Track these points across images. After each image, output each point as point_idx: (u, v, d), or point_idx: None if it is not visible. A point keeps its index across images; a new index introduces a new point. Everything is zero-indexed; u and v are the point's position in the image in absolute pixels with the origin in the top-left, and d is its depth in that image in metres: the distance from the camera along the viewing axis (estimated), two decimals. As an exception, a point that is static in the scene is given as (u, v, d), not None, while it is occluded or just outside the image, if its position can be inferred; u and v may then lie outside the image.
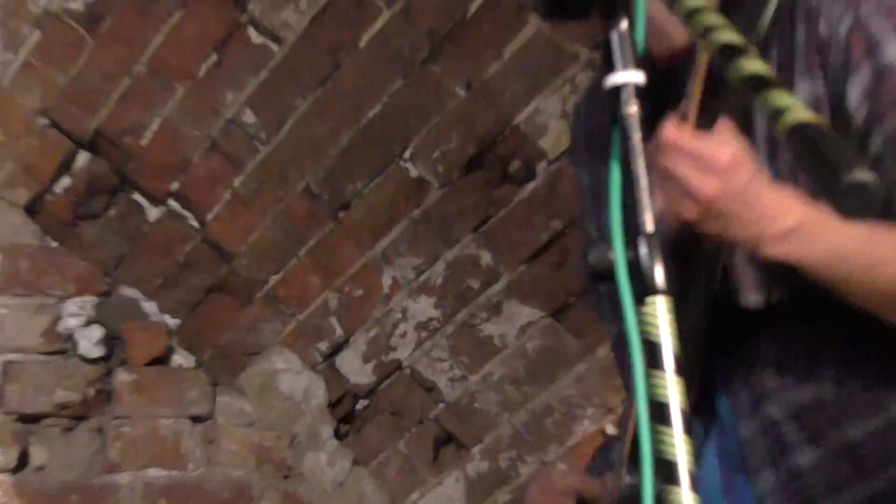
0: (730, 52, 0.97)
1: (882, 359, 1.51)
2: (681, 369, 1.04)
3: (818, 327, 1.54)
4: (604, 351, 2.53)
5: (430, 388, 2.81)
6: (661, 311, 1.04)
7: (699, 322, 1.57)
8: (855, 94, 1.47)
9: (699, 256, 1.55)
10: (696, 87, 1.49)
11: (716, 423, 1.61)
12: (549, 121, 2.55)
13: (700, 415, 1.54)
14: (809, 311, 1.52)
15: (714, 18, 1.00)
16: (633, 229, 1.06)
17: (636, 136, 1.08)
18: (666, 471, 1.01)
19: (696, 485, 1.01)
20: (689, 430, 1.04)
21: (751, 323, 1.54)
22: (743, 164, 1.34)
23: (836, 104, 1.48)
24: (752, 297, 1.52)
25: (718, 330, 1.55)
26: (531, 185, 2.55)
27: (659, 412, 1.02)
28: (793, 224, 1.39)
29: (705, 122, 1.44)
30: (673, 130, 1.36)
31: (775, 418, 1.54)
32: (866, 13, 1.47)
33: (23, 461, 2.67)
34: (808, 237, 1.41)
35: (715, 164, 1.34)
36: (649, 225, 1.07)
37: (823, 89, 1.50)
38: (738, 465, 1.58)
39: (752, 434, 1.57)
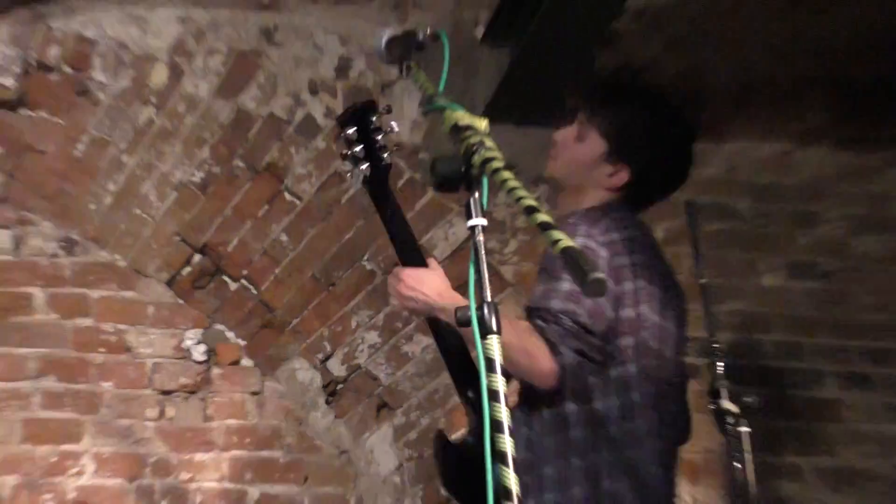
0: (532, 211, 1.55)
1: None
2: (505, 373, 1.57)
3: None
4: None
5: (375, 378, 4.10)
6: (494, 342, 1.60)
7: None
8: None
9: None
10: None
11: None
12: (439, 241, 3.88)
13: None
14: None
15: (531, 200, 1.58)
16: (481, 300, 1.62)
17: (482, 250, 1.65)
18: (496, 425, 1.53)
19: (511, 432, 1.53)
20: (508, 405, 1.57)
21: None
22: (411, 277, 2.38)
23: None
24: None
25: None
26: None
27: (494, 394, 1.54)
28: (443, 303, 2.32)
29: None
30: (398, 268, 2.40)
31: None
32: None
33: (161, 415, 4.09)
34: (447, 303, 2.32)
35: (394, 279, 2.40)
36: (488, 296, 1.63)
37: None
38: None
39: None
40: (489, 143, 1.70)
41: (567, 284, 2.26)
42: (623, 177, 2.53)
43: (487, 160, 1.66)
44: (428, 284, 2.35)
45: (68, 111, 3.92)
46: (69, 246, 4.16)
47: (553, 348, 2.21)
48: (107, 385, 4.05)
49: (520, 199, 1.58)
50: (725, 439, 2.96)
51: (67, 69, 3.86)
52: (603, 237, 2.36)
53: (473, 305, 1.60)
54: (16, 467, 3.90)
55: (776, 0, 3.80)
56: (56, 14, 3.80)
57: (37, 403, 3.99)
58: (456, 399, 3.67)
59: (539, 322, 2.24)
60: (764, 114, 4.17)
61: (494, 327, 1.59)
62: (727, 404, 3.10)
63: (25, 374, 4.00)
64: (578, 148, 2.58)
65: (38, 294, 4.09)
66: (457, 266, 3.83)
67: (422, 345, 3.96)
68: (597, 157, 2.54)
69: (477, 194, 1.68)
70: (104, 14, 3.79)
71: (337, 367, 4.12)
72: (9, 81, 3.83)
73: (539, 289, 2.32)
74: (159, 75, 3.88)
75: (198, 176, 3.97)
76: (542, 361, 2.21)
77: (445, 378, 3.70)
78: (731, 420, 3.09)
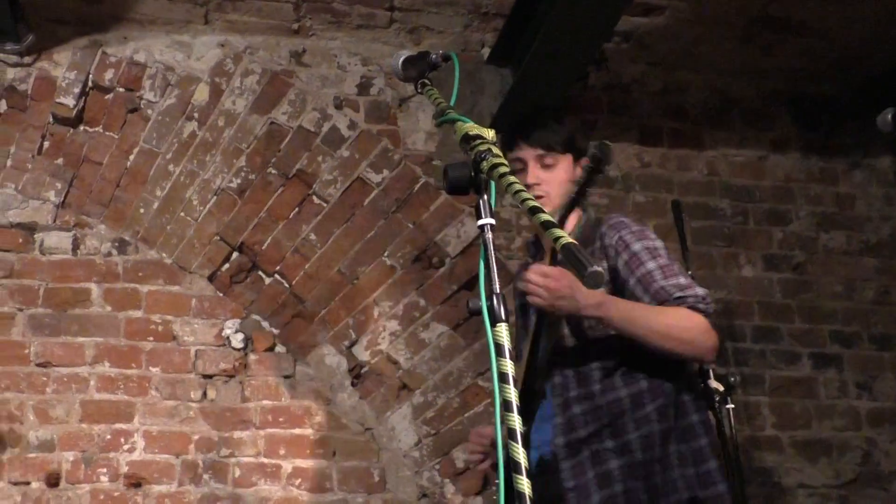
0: (535, 211, 1.65)
1: (618, 371, 2.57)
2: (512, 357, 1.68)
3: (586, 358, 2.61)
4: (478, 346, 4.11)
5: (396, 362, 4.17)
6: (504, 330, 1.72)
7: (547, 349, 2.60)
8: (622, 264, 2.62)
9: (548, 318, 2.57)
10: (548, 251, 2.57)
11: (545, 397, 2.66)
12: (451, 239, 4.14)
13: (542, 394, 2.64)
14: (583, 352, 2.60)
15: (534, 203, 1.68)
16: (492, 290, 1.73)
17: (490, 247, 1.79)
18: (506, 405, 1.64)
19: (520, 413, 1.62)
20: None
21: (561, 354, 2.61)
22: (564, 278, 2.41)
23: (614, 271, 2.61)
24: (567, 340, 2.61)
25: (554, 354, 2.61)
26: (442, 269, 4.16)
27: (503, 377, 1.67)
28: (598, 300, 2.47)
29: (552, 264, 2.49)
30: (535, 264, 2.48)
31: (568, 393, 2.62)
32: (625, 235, 2.63)
33: (203, 396, 4.20)
34: (608, 304, 2.48)
35: (548, 278, 2.42)
36: (497, 288, 1.76)
37: (607, 265, 2.61)
38: (547, 417, 2.64)
39: (557, 402, 2.63)
40: (496, 150, 1.81)
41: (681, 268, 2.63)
42: (585, 162, 2.64)
43: (495, 166, 1.77)
44: (581, 286, 2.37)
45: (121, 127, 4.20)
46: (122, 246, 4.34)
47: (713, 325, 2.53)
48: (155, 370, 4.23)
49: (524, 200, 1.69)
50: (713, 415, 3.36)
51: (121, 89, 4.17)
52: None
53: (484, 296, 1.71)
54: (75, 444, 4.08)
55: (736, 32, 4.10)
56: (111, 42, 4.16)
57: (93, 386, 4.17)
58: (468, 380, 4.08)
59: (697, 304, 2.54)
60: (739, 124, 4.48)
61: (503, 315, 1.70)
62: (714, 383, 3.51)
63: (83, 360, 4.19)
64: (555, 174, 2.74)
65: (94, 289, 4.27)
66: (468, 261, 4.18)
67: (437, 332, 4.18)
68: (570, 166, 2.77)
69: (486, 197, 1.81)
70: (153, 41, 4.16)
71: (361, 353, 4.23)
72: (70, 101, 4.14)
73: (673, 279, 2.58)
74: (201, 94, 4.19)
75: (235, 182, 4.22)
76: (710, 338, 2.53)
77: (459, 362, 4.11)
78: (716, 398, 3.50)
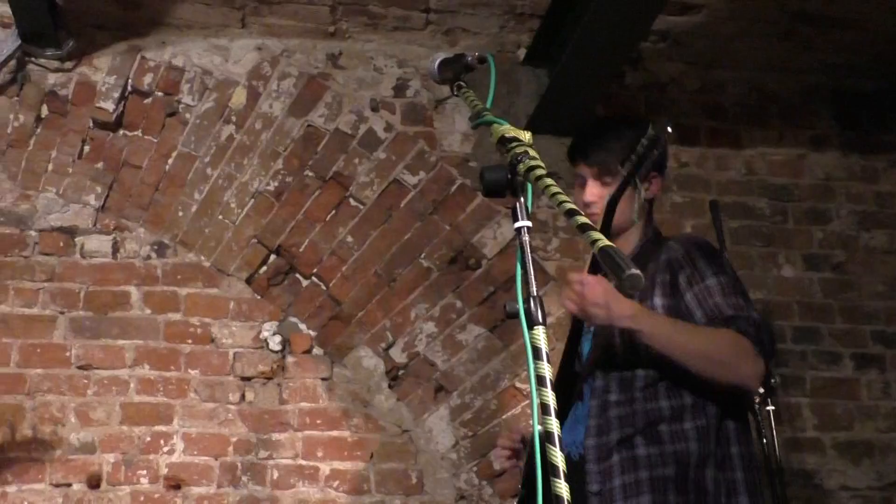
0: (573, 214, 1.64)
1: (663, 383, 2.51)
2: (550, 360, 1.66)
3: (632, 364, 2.55)
4: (515, 347, 4.09)
5: (433, 364, 4.17)
6: (541, 333, 1.70)
7: (592, 351, 2.62)
8: (683, 279, 2.54)
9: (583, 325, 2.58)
10: (589, 259, 2.55)
11: (582, 399, 2.63)
12: (488, 241, 4.15)
13: (580, 395, 2.63)
14: (630, 358, 2.54)
15: (572, 204, 1.67)
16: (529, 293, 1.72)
17: (527, 249, 1.75)
18: (544, 409, 1.63)
19: (557, 415, 1.61)
20: (558, 393, 1.68)
21: (607, 357, 2.59)
22: (598, 286, 2.37)
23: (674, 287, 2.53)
24: (615, 345, 2.55)
25: (599, 357, 2.60)
26: (479, 271, 4.17)
27: (540, 381, 1.65)
28: (632, 311, 2.38)
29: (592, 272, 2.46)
30: (574, 274, 2.43)
31: (608, 396, 2.58)
32: (692, 250, 2.58)
33: (242, 399, 4.21)
34: (641, 316, 2.39)
35: (583, 285, 2.37)
36: (534, 291, 1.74)
37: (668, 278, 2.55)
38: (581, 418, 2.59)
39: (595, 404, 2.59)
40: (532, 153, 1.79)
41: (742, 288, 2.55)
42: (658, 182, 2.73)
43: (531, 168, 1.76)
44: (615, 294, 2.38)
45: (160, 130, 4.23)
46: (161, 249, 4.37)
47: (762, 351, 2.43)
48: (194, 372, 4.25)
49: (561, 203, 1.67)
50: (753, 417, 3.31)
51: (159, 94, 4.21)
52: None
53: (521, 299, 1.70)
54: (115, 446, 4.11)
55: (774, 27, 4.07)
56: (150, 46, 4.21)
57: (133, 389, 4.19)
58: (505, 382, 4.09)
59: (747, 329, 2.45)
60: (778, 122, 4.44)
61: (540, 318, 1.69)
62: (753, 386, 3.45)
63: (123, 362, 4.22)
64: (611, 190, 2.64)
65: (134, 292, 4.30)
66: (504, 262, 4.17)
67: (474, 333, 4.19)
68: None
69: (522, 199, 1.79)
70: (191, 45, 4.20)
71: (398, 355, 4.25)
72: (110, 106, 4.19)
73: (731, 298, 2.50)
74: (239, 97, 4.22)
75: (273, 185, 4.24)
76: (753, 365, 2.42)
77: (496, 364, 4.10)
78: (757, 399, 3.46)
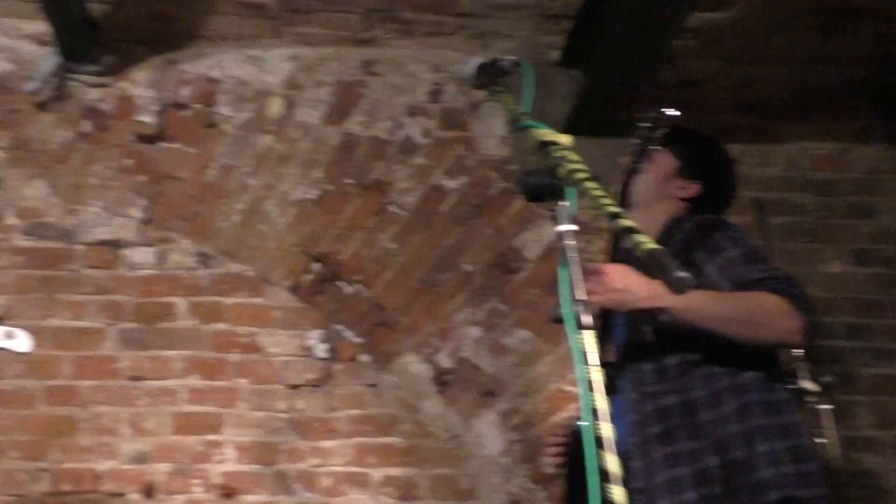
0: (616, 216, 1.66)
1: (698, 368, 2.49)
2: (597, 364, 1.69)
3: (665, 353, 2.54)
4: (562, 350, 4.04)
5: (480, 369, 4.19)
6: (588, 337, 1.73)
7: (624, 343, 2.64)
8: (704, 255, 2.55)
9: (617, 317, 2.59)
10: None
11: (618, 392, 2.63)
12: (528, 243, 4.14)
13: (616, 388, 2.63)
14: (662, 346, 2.54)
15: (615, 207, 1.69)
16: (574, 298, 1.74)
17: (572, 253, 1.77)
18: (594, 412, 1.68)
19: (604, 414, 1.66)
20: (604, 391, 1.69)
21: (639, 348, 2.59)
22: (617, 272, 2.37)
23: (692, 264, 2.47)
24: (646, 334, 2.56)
25: (631, 348, 2.61)
26: (522, 274, 4.16)
27: (589, 385, 1.70)
28: (656, 290, 2.35)
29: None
30: (591, 265, 2.38)
31: (643, 388, 2.57)
32: (709, 227, 2.59)
33: (291, 407, 4.23)
34: (666, 293, 2.30)
35: (603, 276, 2.38)
36: (581, 295, 1.76)
37: (686, 256, 2.51)
38: (619, 413, 2.48)
39: (632, 398, 2.60)
40: (573, 156, 1.82)
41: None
42: (694, 189, 2.80)
43: (572, 172, 1.78)
44: (634, 278, 2.39)
45: (199, 142, 4.26)
46: (205, 259, 4.40)
47: (799, 306, 2.40)
48: (242, 381, 4.28)
49: (604, 206, 1.69)
50: (807, 416, 3.24)
51: (197, 105, 4.23)
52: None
53: (566, 304, 1.72)
54: (168, 455, 4.16)
55: (811, 20, 3.96)
56: (186, 59, 4.22)
57: (183, 399, 4.24)
58: (553, 385, 4.09)
59: (779, 287, 2.43)
60: (819, 116, 4.33)
61: (586, 322, 1.70)
62: (806, 384, 3.39)
63: (173, 373, 4.26)
64: (652, 167, 2.78)
65: (180, 303, 4.34)
66: (547, 265, 4.14)
67: (520, 337, 4.18)
68: (670, 172, 2.80)
69: (564, 203, 1.80)
70: (226, 56, 4.21)
71: (445, 360, 4.25)
72: (149, 119, 4.23)
73: (755, 265, 2.49)
74: (275, 107, 4.23)
75: (313, 193, 4.25)
76: (793, 320, 2.38)
77: (543, 367, 4.10)
78: (811, 398, 3.38)
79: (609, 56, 3.73)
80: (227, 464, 4.18)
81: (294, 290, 4.36)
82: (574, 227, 1.77)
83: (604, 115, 3.87)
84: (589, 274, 2.35)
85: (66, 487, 4.07)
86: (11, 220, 4.34)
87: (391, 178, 4.19)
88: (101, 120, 4.24)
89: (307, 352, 4.33)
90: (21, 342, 3.06)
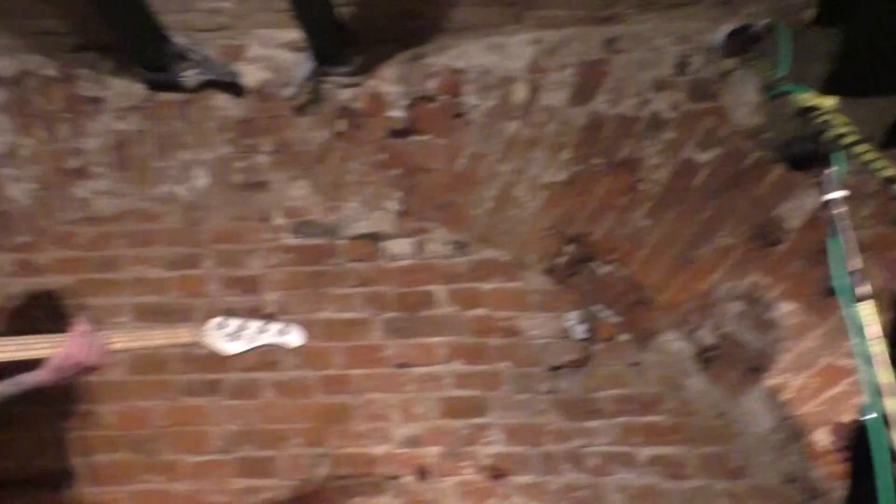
0: (892, 181, 1.69)
1: None
2: (876, 336, 1.65)
3: None
4: (833, 322, 3.84)
5: (744, 344, 4.10)
6: (866, 307, 1.72)
7: None
8: None
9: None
10: None
11: None
12: (789, 213, 3.97)
13: None
14: None
15: (890, 171, 1.69)
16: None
17: (842, 221, 1.78)
18: (877, 390, 1.64)
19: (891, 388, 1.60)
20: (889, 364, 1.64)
21: None
22: None
23: None
24: None
25: None
26: (784, 245, 4.00)
27: (870, 358, 1.68)
28: None
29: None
30: None
31: None
32: None
33: (553, 388, 4.32)
34: None
35: None
36: (856, 265, 1.76)
37: None
38: None
39: None
40: (839, 119, 1.79)
41: None
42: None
43: (839, 136, 1.75)
44: None
45: (448, 132, 4.34)
46: (460, 247, 4.53)
47: None
48: (504, 365, 4.38)
49: (879, 170, 1.66)
50: None
51: (444, 97, 4.29)
52: None
53: (839, 274, 1.69)
54: (438, 439, 4.33)
55: None
56: (430, 52, 4.27)
57: (449, 384, 4.39)
58: (824, 360, 3.95)
59: None
60: None
61: (862, 294, 1.67)
62: None
63: (437, 359, 4.42)
64: None
65: (439, 291, 4.49)
66: (810, 235, 3.94)
67: (785, 310, 4.05)
68: None
69: (830, 169, 1.77)
70: (469, 46, 4.22)
71: (706, 336, 4.21)
72: (399, 114, 4.34)
73: None
74: (520, 92, 4.22)
75: (563, 175, 4.25)
76: None
77: (810, 340, 3.95)
78: None
79: (871, 10, 3.47)
80: (494, 446, 4.31)
81: (549, 272, 4.43)
82: (844, 193, 1.73)
83: (867, 73, 3.57)
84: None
85: (344, 471, 4.29)
86: (279, 220, 4.60)
87: (641, 155, 4.12)
88: (354, 118, 4.38)
89: (566, 333, 4.41)
90: (293, 337, 3.24)
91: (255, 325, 3.19)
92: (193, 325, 3.16)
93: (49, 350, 2.87)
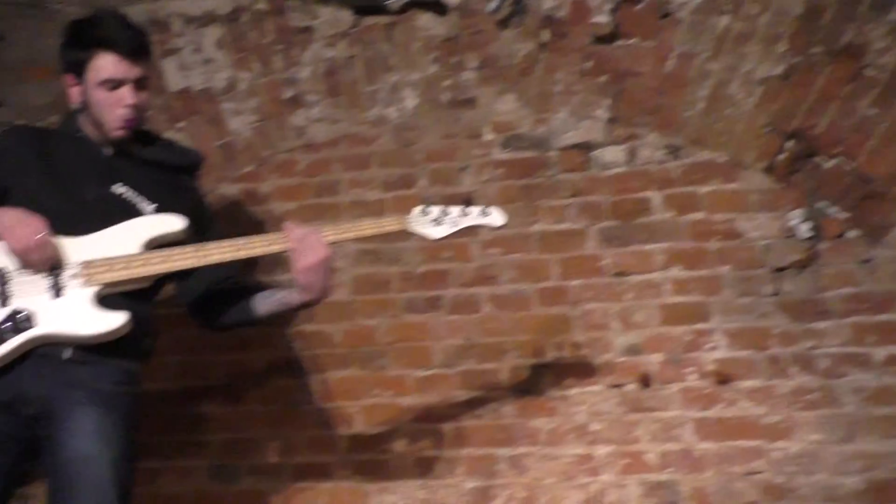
0: None
1: None
2: None
3: None
4: None
5: None
6: None
7: None
8: None
9: None
10: None
11: None
12: None
13: None
14: None
15: None
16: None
17: None
18: None
19: None
20: None
21: None
22: None
23: None
24: None
25: None
26: None
27: None
28: None
29: None
30: None
31: None
32: None
33: (777, 290, 4.19)
34: None
35: None
36: None
37: None
38: None
39: None
40: None
41: None
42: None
43: None
44: None
45: (655, 34, 4.24)
46: (674, 151, 4.41)
47: None
48: (724, 269, 4.27)
49: None
50: None
51: (650, -3, 4.13)
52: None
53: None
54: (658, 346, 4.28)
55: None
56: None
57: (667, 290, 4.32)
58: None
59: None
60: None
61: None
62: None
63: (655, 266, 4.36)
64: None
65: (654, 197, 4.40)
66: None
67: None
68: None
69: None
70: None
71: None
72: (604, 19, 4.28)
73: None
74: (727, -17, 4.01)
75: (779, 69, 4.09)
76: None
77: None
78: None
79: None
80: (718, 350, 4.22)
81: (769, 171, 4.27)
82: None
83: None
84: None
85: (570, 381, 4.30)
86: (489, 136, 4.63)
87: (865, 40, 3.90)
88: (558, 27, 4.34)
89: (789, 233, 4.26)
90: (496, 217, 3.33)
91: (455, 209, 3.29)
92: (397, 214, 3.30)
93: (264, 249, 3.01)
